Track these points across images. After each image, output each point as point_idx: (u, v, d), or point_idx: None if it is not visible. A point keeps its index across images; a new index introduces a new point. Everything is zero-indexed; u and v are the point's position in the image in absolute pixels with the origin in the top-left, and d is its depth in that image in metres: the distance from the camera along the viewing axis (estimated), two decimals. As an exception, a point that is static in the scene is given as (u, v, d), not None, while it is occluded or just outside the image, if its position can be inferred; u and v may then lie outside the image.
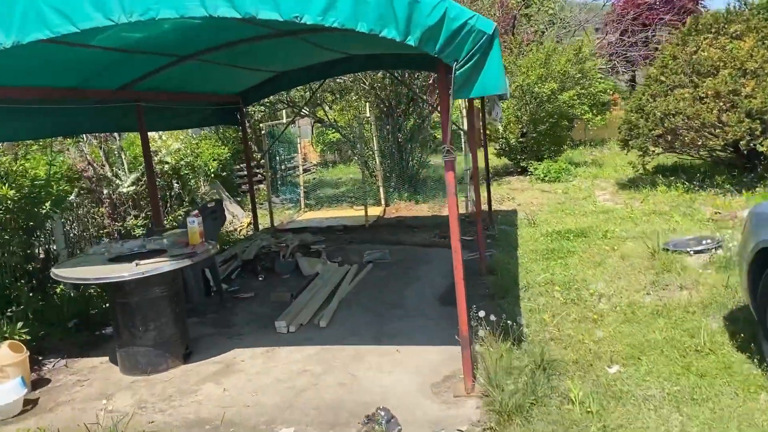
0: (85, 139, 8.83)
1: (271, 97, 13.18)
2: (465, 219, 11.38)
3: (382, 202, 13.55)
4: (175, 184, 9.30)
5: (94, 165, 8.04)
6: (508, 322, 4.88)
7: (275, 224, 12.37)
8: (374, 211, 12.96)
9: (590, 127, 20.71)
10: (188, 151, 9.94)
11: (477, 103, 10.32)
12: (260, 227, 12.01)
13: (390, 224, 11.71)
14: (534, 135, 15.94)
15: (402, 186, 14.03)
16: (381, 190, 13.48)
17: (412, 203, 13.65)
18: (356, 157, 14.57)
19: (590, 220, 9.78)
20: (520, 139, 16.11)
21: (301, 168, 14.27)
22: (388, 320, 6.13)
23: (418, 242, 9.97)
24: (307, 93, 14.04)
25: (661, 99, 10.86)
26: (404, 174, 14.06)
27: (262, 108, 13.62)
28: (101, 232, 8.02)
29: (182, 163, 9.62)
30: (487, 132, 13.47)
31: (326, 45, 8.37)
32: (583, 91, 15.97)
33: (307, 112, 14.29)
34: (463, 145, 13.28)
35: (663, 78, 10.92)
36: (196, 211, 5.44)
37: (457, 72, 3.70)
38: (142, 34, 5.72)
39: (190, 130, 10.94)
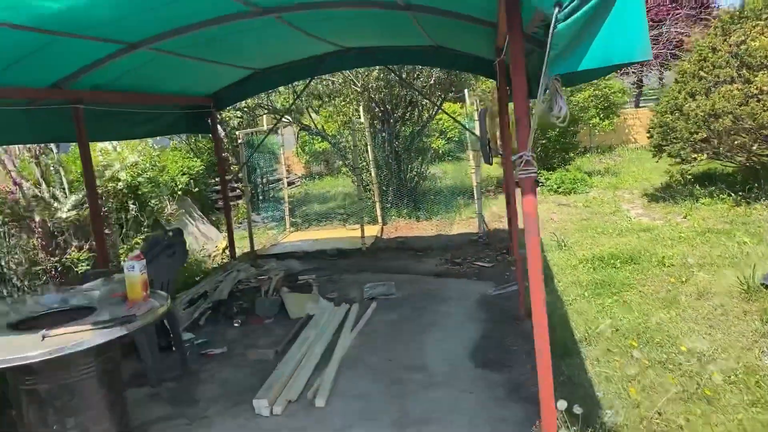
0: (18, 152, 7.17)
1: (249, 100, 11.60)
2: (479, 240, 9.83)
3: (379, 220, 11.98)
4: (132, 205, 7.64)
5: (22, 185, 6.38)
6: (577, 410, 3.31)
7: (256, 249, 10.75)
8: (371, 230, 11.38)
9: (597, 132, 19.34)
10: (148, 164, 8.29)
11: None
12: (238, 252, 10.37)
13: (390, 247, 10.13)
14: (543, 141, 14.50)
15: (401, 201, 12.47)
16: (377, 206, 11.91)
17: (413, 221, 12.10)
18: (349, 169, 13.03)
19: (632, 242, 8.28)
20: (500, 143, 14.63)
21: (285, 181, 12.64)
22: (408, 392, 4.54)
23: (428, 271, 8.40)
24: (292, 95, 12.46)
25: (702, 97, 9.44)
26: (403, 187, 12.52)
27: (239, 114, 12.04)
28: (34, 269, 6.36)
29: (140, 179, 7.97)
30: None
31: (314, 32, 6.82)
32: (597, 92, 14.58)
33: (290, 119, 12.73)
34: (470, 154, 11.77)
35: (703, 73, 9.51)
36: (138, 253, 3.82)
37: (561, 25, 2.16)
38: (60, 3, 4.12)
39: (151, 140, 9.29)
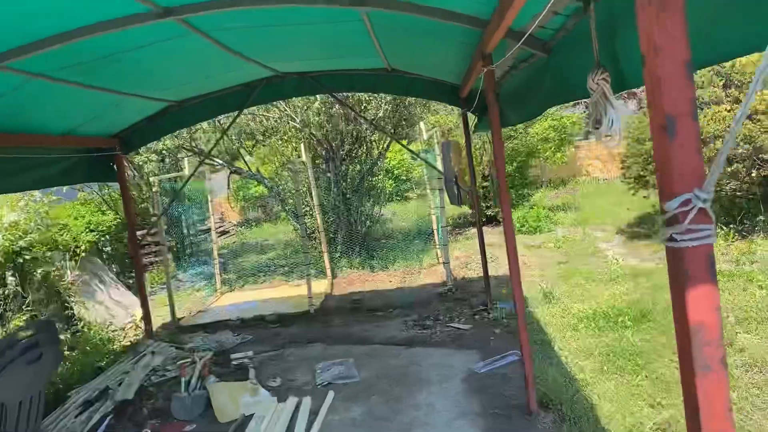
0: None
1: (169, 141, 9.99)
2: (448, 292, 8.45)
3: (328, 272, 10.45)
4: (10, 278, 5.87)
5: None
6: None
7: (180, 317, 9.01)
8: (319, 286, 9.84)
9: (550, 166, 18.57)
10: (34, 223, 6.54)
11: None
12: (158, 323, 8.61)
13: (344, 307, 8.60)
14: (501, 177, 13.41)
15: (351, 249, 11.01)
16: (325, 257, 10.40)
17: (367, 272, 10.64)
18: (289, 216, 11.53)
19: (631, 290, 7.10)
20: (484, 184, 13.55)
21: (213, 232, 10.97)
22: None
23: (393, 338, 6.92)
24: (219, 133, 10.92)
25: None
26: (353, 234, 11.08)
27: (156, 157, 10.41)
28: None
29: (22, 243, 6.21)
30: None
31: (240, 49, 5.41)
32: (554, 122, 13.73)
33: (220, 162, 11.17)
34: (428, 191, 10.49)
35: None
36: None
37: None
38: None
39: (38, 193, 7.51)
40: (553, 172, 19.83)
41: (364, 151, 11.48)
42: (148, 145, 9.82)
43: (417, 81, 7.25)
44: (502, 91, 6.30)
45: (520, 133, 13.65)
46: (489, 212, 13.61)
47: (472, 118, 7.60)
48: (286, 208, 11.30)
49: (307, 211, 11.19)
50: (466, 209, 14.65)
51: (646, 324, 5.76)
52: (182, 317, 9.17)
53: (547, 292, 7.27)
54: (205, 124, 9.86)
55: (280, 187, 11.56)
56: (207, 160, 11.54)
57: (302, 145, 9.38)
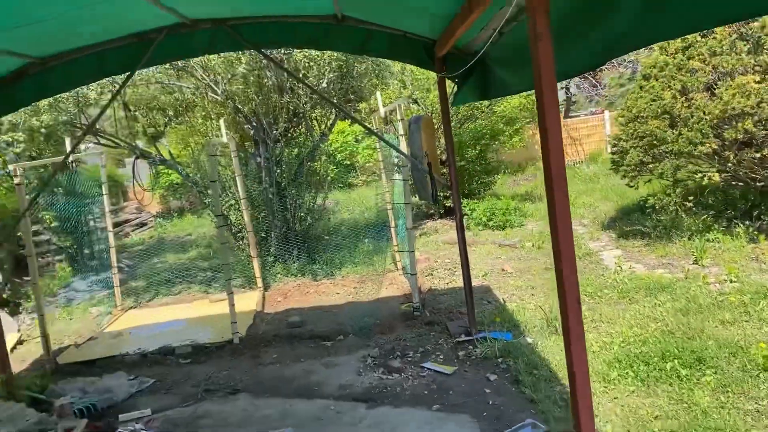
0: None
1: (45, 116, 7.69)
2: (414, 312, 6.69)
3: (259, 283, 8.47)
4: None
5: None
6: None
7: (65, 346, 6.90)
8: (246, 302, 7.88)
9: (507, 150, 17.02)
10: None
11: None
12: (29, 358, 6.49)
13: (279, 334, 6.69)
14: (462, 163, 11.75)
15: (288, 253, 9.06)
16: (255, 263, 8.42)
17: (309, 280, 8.74)
18: (210, 211, 9.45)
19: (658, 314, 5.53)
20: (442, 170, 11.79)
21: (110, 232, 8.77)
22: None
23: (349, 387, 5.10)
24: (117, 105, 8.69)
25: (701, 95, 7.03)
26: (290, 233, 9.13)
27: (22, 136, 8.01)
28: None
29: None
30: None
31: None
32: (525, 100, 12.14)
33: (115, 141, 8.93)
34: (383, 178, 8.68)
35: (696, 64, 7.12)
36: None
37: None
38: None
39: None
40: (508, 157, 18.35)
41: (303, 130, 9.50)
42: (11, 121, 7.50)
43: (377, 34, 5.38)
44: (499, 50, 4.55)
45: (484, 112, 12.00)
46: (448, 203, 11.90)
47: (450, 86, 5.83)
48: (206, 201, 9.23)
49: (232, 205, 9.15)
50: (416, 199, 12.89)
51: (710, 374, 4.16)
52: (65, 348, 7.03)
53: (550, 319, 5.58)
54: (90, 89, 7.61)
55: (199, 175, 9.45)
56: (105, 142, 9.28)
57: (222, 122, 7.34)
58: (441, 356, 5.42)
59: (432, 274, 8.18)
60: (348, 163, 18.17)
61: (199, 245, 13.22)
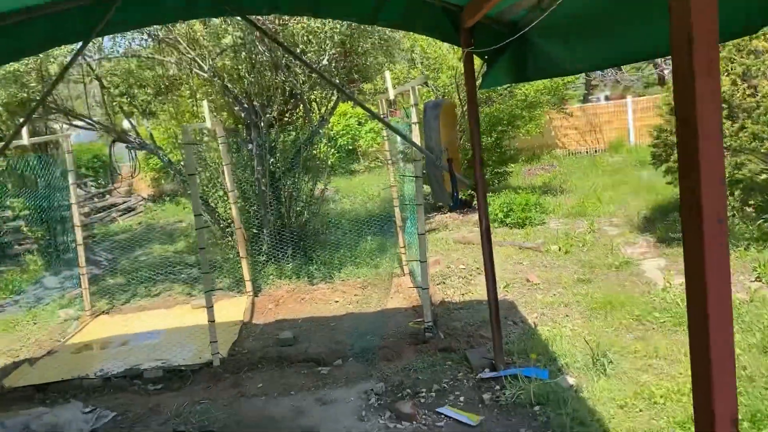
0: None
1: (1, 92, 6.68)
2: (425, 331, 5.72)
3: (248, 287, 7.51)
4: None
5: None
6: None
7: (16, 366, 5.96)
8: (232, 310, 6.94)
9: (522, 136, 15.92)
10: None
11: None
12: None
13: (267, 356, 5.73)
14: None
15: (282, 252, 8.08)
16: (244, 264, 7.44)
17: (304, 283, 7.77)
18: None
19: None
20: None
21: (76, 217, 7.79)
22: None
23: (348, 439, 4.14)
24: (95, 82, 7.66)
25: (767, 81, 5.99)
26: (285, 228, 8.14)
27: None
28: None
29: None
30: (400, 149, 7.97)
31: None
32: (550, 83, 11.07)
33: (88, 122, 7.89)
34: (389, 167, 7.67)
35: (763, 43, 6.05)
36: None
37: None
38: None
39: None
40: (523, 143, 17.27)
41: (301, 114, 8.47)
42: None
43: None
44: (550, 18, 3.52)
45: (501, 95, 10.94)
46: (461, 196, 10.87)
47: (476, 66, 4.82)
48: (190, 192, 8.21)
49: (221, 196, 8.16)
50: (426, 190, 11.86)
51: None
52: (20, 363, 6.08)
53: (596, 355, 4.59)
54: (58, 66, 6.58)
55: (183, 162, 8.44)
56: (79, 123, 8.26)
57: (205, 103, 6.32)
58: (461, 398, 4.45)
59: (444, 282, 7.20)
60: (350, 147, 17.12)
61: (188, 235, 12.24)
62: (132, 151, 8.42)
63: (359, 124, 17.09)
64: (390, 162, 7.55)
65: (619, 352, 4.72)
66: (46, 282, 9.17)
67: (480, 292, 6.74)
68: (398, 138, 7.43)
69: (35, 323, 7.53)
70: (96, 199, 16.89)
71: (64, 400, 5.21)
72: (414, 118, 5.51)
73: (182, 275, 8.89)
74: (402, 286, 7.29)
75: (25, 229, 9.33)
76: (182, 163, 8.47)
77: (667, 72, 22.44)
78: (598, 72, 20.60)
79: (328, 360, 5.50)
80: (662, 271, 6.61)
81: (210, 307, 5.52)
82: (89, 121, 7.92)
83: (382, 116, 7.33)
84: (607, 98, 20.18)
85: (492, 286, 4.72)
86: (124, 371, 5.56)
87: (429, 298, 5.76)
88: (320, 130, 8.36)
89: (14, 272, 9.51)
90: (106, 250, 10.96)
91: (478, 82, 4.86)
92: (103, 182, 18.79)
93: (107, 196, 17.70)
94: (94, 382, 5.45)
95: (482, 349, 5.18)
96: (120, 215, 16.42)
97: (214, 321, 5.53)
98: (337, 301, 7.16)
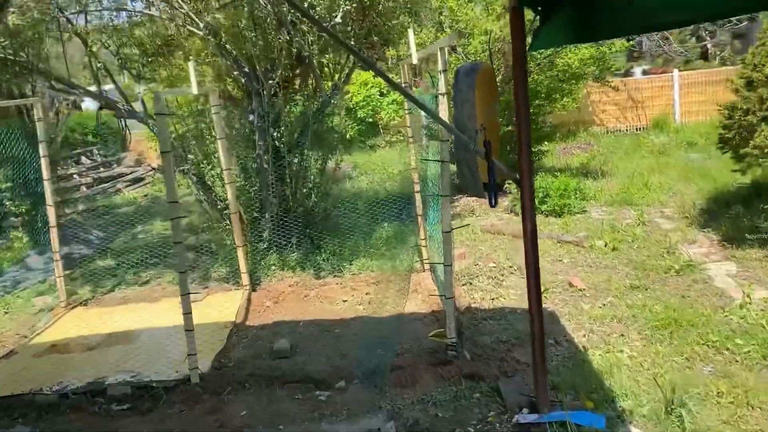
0: None
1: None
2: (450, 352, 4.73)
3: (244, 280, 6.57)
4: None
5: None
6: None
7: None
8: (224, 307, 6.04)
9: (558, 112, 14.59)
10: None
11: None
12: None
13: (255, 372, 4.78)
14: (509, 128, 9.58)
15: (286, 239, 7.13)
16: (240, 253, 6.48)
17: (310, 276, 6.83)
18: (190, 180, 7.48)
19: None
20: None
21: (47, 189, 6.89)
22: None
23: None
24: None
25: None
26: (290, 213, 7.17)
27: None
28: None
29: None
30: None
31: None
32: (596, 51, 9.83)
33: (69, 85, 6.94)
34: (411, 156, 6.62)
35: None
36: None
37: None
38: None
39: None
40: (555, 119, 15.99)
41: (311, 81, 7.41)
42: None
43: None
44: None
45: (540, 64, 9.74)
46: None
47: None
48: (184, 168, 7.28)
49: (218, 174, 7.20)
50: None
51: None
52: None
53: (674, 402, 3.55)
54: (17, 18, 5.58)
55: (176, 133, 7.46)
56: (60, 87, 7.30)
57: (191, 65, 5.30)
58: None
59: (471, 283, 6.18)
60: (371, 120, 16.01)
61: (192, 210, 11.36)
62: (122, 120, 7.46)
63: (381, 94, 15.94)
64: (411, 140, 6.48)
65: (696, 395, 3.68)
66: (29, 262, 8.37)
67: (513, 298, 5.73)
68: (422, 112, 6.38)
69: (6, 312, 6.70)
70: (102, 169, 16.10)
71: (10, 421, 4.36)
72: (441, 88, 4.43)
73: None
74: (421, 285, 6.30)
75: (8, 203, 8.50)
76: (175, 133, 7.50)
77: (710, 46, 20.79)
78: (644, 40, 19.04)
79: (329, 381, 4.56)
80: (735, 279, 5.52)
81: (187, 314, 4.58)
82: (67, 85, 6.95)
83: (403, 86, 6.27)
84: (645, 72, 18.70)
85: (536, 302, 3.70)
86: (85, 385, 4.68)
87: (453, 310, 4.75)
88: (333, 101, 7.30)
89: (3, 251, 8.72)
90: (101, 226, 10.10)
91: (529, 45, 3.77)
92: (113, 150, 18.00)
93: (114, 165, 16.90)
94: (49, 399, 4.57)
95: (518, 379, 4.18)
96: (126, 186, 15.59)
97: (192, 330, 4.60)
98: (345, 301, 6.19)
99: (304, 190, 7.27)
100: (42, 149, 6.08)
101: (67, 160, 14.73)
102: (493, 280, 6.16)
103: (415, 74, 6.86)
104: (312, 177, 7.45)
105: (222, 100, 6.69)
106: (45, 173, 6.14)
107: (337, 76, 7.30)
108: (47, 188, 6.19)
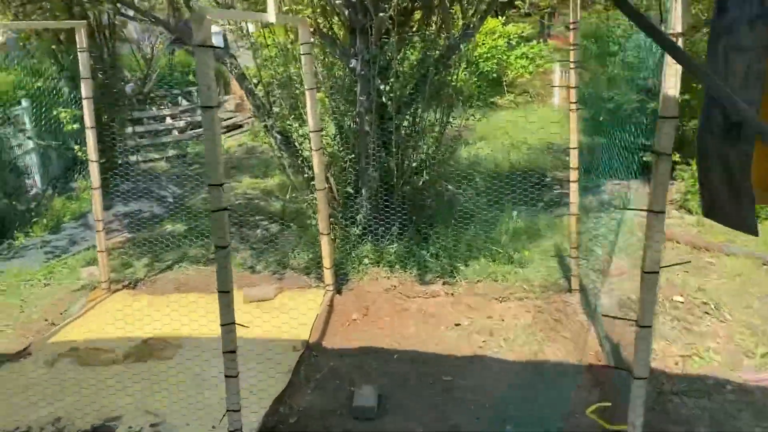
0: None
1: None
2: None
3: (327, 277, 5.01)
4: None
5: None
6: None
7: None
8: (297, 315, 4.50)
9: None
10: None
11: None
12: None
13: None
14: (685, 96, 7.24)
15: (386, 225, 5.49)
16: (324, 242, 4.91)
17: (412, 278, 5.19)
18: (272, 139, 5.96)
19: None
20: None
21: (90, 147, 5.64)
22: None
23: None
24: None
25: None
26: (393, 190, 5.50)
27: None
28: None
29: None
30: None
31: None
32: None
33: (141, 13, 5.55)
34: (573, 127, 4.71)
35: None
36: None
37: None
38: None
39: None
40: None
41: (436, 20, 5.58)
42: None
43: None
44: None
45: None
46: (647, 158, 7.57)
47: None
48: (267, 123, 5.76)
49: (306, 135, 5.63)
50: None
51: None
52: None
53: None
54: None
55: (262, 81, 5.95)
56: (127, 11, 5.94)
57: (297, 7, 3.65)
58: None
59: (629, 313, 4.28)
60: (494, 76, 13.88)
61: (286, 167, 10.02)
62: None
63: (509, 46, 13.74)
64: (574, 106, 4.56)
65: None
66: (90, 219, 7.29)
67: (717, 359, 3.80)
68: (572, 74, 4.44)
69: (47, 284, 5.58)
70: (199, 112, 15.05)
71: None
72: (678, 26, 2.49)
73: (252, 231, 6.64)
74: (569, 315, 4.49)
75: (75, 146, 7.43)
76: (260, 81, 5.97)
77: None
78: None
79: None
80: None
81: (230, 338, 3.05)
82: (134, 9, 5.56)
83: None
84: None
85: None
86: (91, 430, 3.34)
87: (643, 397, 2.93)
88: (462, 45, 5.45)
89: (63, 201, 7.73)
90: (179, 180, 8.94)
91: None
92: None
93: (198, 111, 15.80)
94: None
95: None
96: (223, 132, 14.53)
97: (235, 376, 3.08)
98: (458, 324, 4.52)
99: (414, 164, 5.55)
100: (84, 89, 4.73)
101: (163, 100, 13.82)
102: (680, 323, 4.23)
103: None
104: (426, 147, 5.71)
105: (315, 37, 5.06)
106: (87, 119, 4.81)
107: (470, 12, 5.42)
108: (89, 138, 4.86)
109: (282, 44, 5.69)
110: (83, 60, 4.67)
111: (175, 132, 12.90)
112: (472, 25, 5.33)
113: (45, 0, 6.22)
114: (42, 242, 6.56)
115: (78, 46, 4.65)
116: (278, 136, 5.82)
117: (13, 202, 7.00)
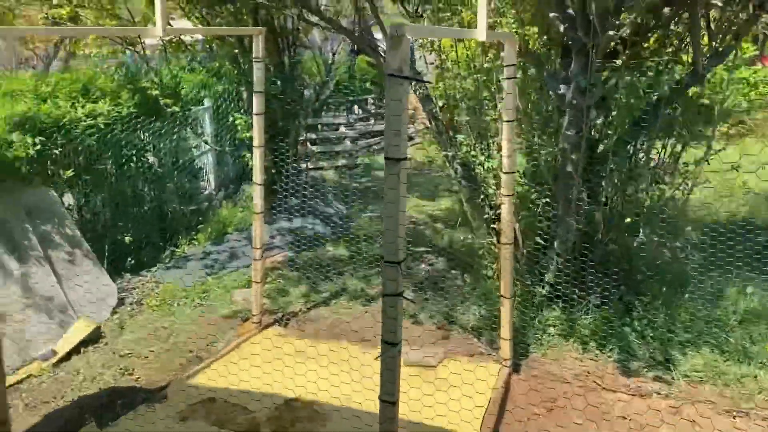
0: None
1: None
2: None
3: (504, 349, 4.08)
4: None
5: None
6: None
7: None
8: (464, 398, 3.61)
9: None
10: None
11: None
12: None
13: None
14: None
15: (582, 290, 4.42)
16: (504, 308, 3.98)
17: (613, 368, 4.08)
18: (453, 171, 5.13)
19: None
20: None
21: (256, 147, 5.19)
22: None
23: None
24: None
25: None
26: (595, 247, 4.41)
27: None
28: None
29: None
30: None
31: None
32: None
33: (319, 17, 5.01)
34: None
35: None
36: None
37: None
38: None
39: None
40: None
41: (673, 46, 4.40)
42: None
43: None
44: None
45: None
46: None
47: None
48: (448, 153, 4.91)
49: (492, 168, 4.75)
50: None
51: None
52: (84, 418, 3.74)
53: None
54: None
55: (449, 94, 5.15)
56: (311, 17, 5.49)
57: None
58: None
59: None
60: (705, 102, 11.88)
61: (455, 191, 9.23)
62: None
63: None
64: None
65: None
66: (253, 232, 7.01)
67: None
68: None
69: (199, 304, 5.26)
70: (373, 121, 14.79)
71: None
72: None
73: (416, 264, 5.90)
74: None
75: (247, 155, 7.22)
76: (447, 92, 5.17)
77: None
78: None
79: None
80: None
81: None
82: (319, 18, 5.05)
83: None
84: None
85: None
86: None
87: None
88: (706, 71, 4.24)
89: (230, 208, 7.58)
90: (346, 196, 8.48)
91: None
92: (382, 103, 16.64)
93: (372, 120, 15.37)
94: None
95: None
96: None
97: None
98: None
99: (628, 218, 4.42)
100: (256, 103, 4.26)
101: (339, 108, 13.64)
102: None
103: None
104: (645, 195, 4.56)
105: (520, 57, 4.17)
106: (255, 136, 4.34)
107: (725, 30, 4.18)
108: (256, 159, 4.39)
109: (477, 63, 4.84)
110: (258, 71, 4.20)
111: (347, 142, 12.64)
112: (729, 46, 4.10)
113: (231, 3, 5.97)
114: (203, 253, 6.35)
115: (253, 55, 4.18)
116: (459, 168, 4.99)
117: (182, 207, 6.92)
